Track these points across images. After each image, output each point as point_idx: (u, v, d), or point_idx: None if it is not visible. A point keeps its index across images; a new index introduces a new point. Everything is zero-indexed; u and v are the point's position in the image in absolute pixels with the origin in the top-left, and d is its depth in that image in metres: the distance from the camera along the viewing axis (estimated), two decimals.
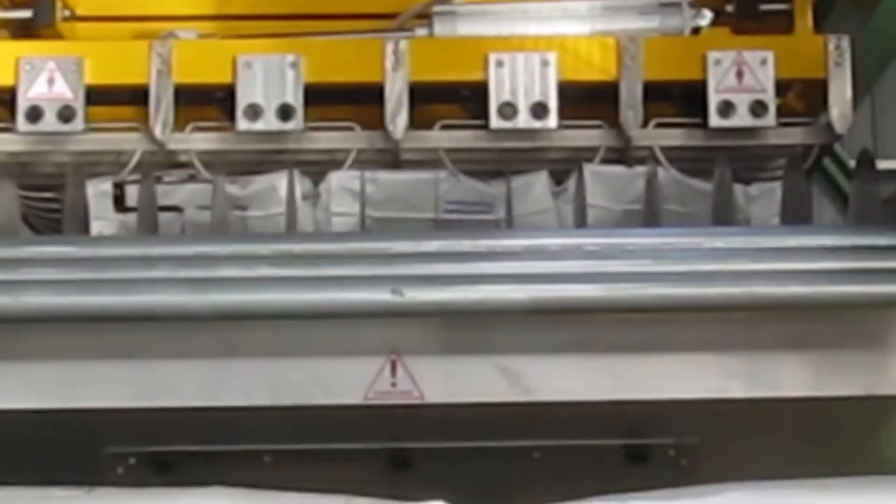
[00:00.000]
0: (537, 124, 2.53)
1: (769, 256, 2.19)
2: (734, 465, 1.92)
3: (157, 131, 2.46)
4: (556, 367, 2.15)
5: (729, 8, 2.77)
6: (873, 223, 2.40)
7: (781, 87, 2.59)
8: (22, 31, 2.67)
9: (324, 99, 2.49)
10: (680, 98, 2.65)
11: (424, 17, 2.57)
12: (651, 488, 1.72)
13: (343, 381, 2.15)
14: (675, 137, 2.57)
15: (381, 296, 2.02)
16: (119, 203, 2.63)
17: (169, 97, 2.40)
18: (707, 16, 2.64)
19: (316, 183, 2.52)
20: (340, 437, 2.23)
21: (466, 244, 2.20)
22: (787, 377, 2.17)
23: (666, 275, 2.12)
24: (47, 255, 2.16)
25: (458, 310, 2.11)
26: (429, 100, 2.51)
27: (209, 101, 2.51)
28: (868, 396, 2.20)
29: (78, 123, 2.41)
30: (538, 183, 2.59)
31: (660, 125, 2.59)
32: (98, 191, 2.58)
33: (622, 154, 2.56)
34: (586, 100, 2.63)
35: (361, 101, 2.50)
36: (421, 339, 2.19)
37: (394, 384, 2.14)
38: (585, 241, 2.28)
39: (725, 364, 2.16)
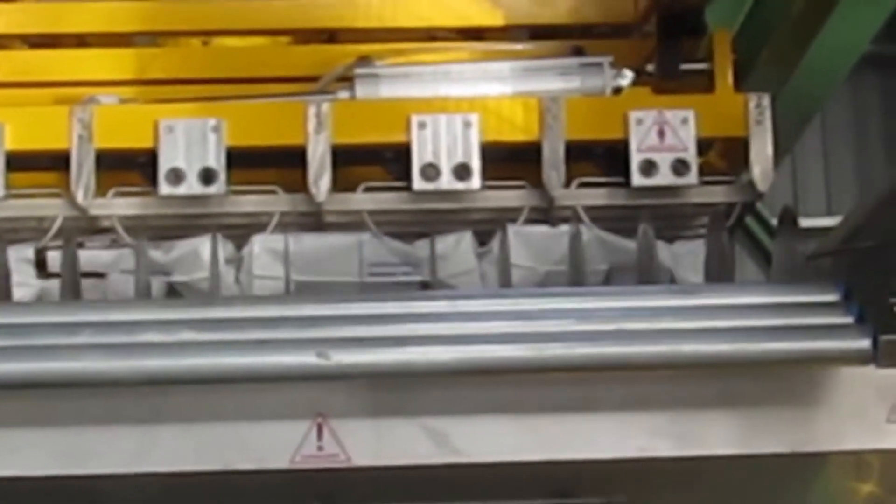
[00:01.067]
0: (460, 185, 2.55)
1: (693, 315, 2.21)
2: None
3: (79, 197, 2.49)
4: (484, 428, 2.14)
5: (649, 68, 2.84)
6: (796, 280, 2.47)
7: (703, 146, 2.64)
8: None
9: (246, 162, 2.53)
10: (602, 157, 2.69)
11: (347, 79, 2.62)
12: None
13: (270, 444, 2.15)
14: (598, 197, 2.60)
15: (306, 359, 2.01)
16: (41, 269, 2.61)
17: (90, 162, 2.42)
18: (628, 76, 2.69)
19: (239, 247, 2.54)
20: (269, 499, 2.28)
21: (391, 306, 2.21)
22: (713, 435, 2.18)
23: (591, 334, 2.12)
24: None
25: (384, 372, 2.10)
26: (352, 162, 2.54)
27: (131, 166, 2.53)
28: (794, 453, 2.22)
29: None
30: (462, 244, 2.61)
31: (583, 185, 2.63)
32: (19, 257, 2.58)
33: (546, 214, 2.59)
34: (509, 160, 2.66)
35: (284, 163, 2.53)
36: (347, 401, 2.17)
37: (320, 448, 2.11)
38: (510, 301, 2.31)
39: (652, 422, 2.17)
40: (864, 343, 2.08)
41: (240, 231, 2.56)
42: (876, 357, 2.07)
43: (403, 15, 2.96)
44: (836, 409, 2.26)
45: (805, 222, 3.05)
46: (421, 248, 2.61)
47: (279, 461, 2.15)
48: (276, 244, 2.56)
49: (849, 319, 2.17)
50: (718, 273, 2.55)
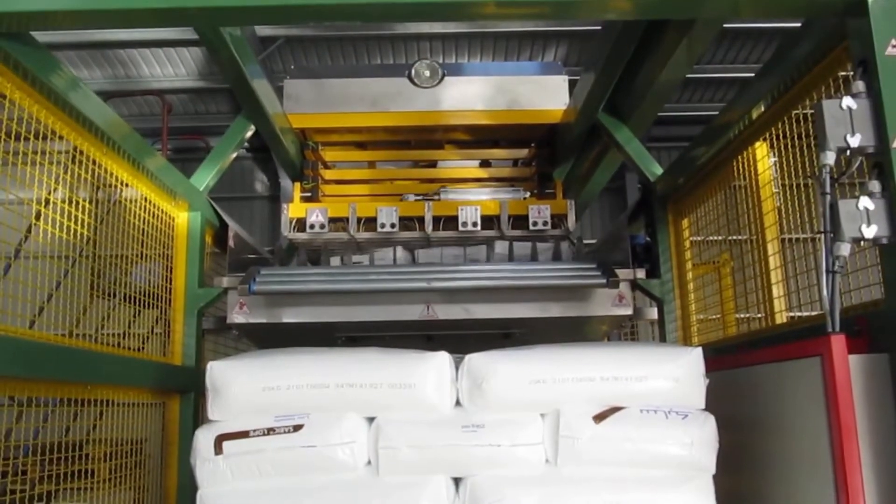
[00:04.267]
0: (474, 229, 6.13)
1: (545, 269, 4.93)
2: None
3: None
4: (481, 307, 4.87)
5: (534, 189, 6.30)
6: (582, 261, 5.19)
7: (552, 217, 5.88)
8: None
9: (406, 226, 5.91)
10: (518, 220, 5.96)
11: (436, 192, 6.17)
12: None
13: (412, 312, 4.80)
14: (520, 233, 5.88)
15: (422, 284, 4.98)
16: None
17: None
18: (527, 193, 6.22)
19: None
20: (410, 334, 5.08)
21: (451, 267, 5.22)
22: (551, 310, 4.96)
23: (514, 276, 5.24)
24: None
25: (449, 288, 4.85)
26: (437, 223, 5.88)
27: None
28: (580, 316, 4.87)
29: None
30: (480, 250, 6.11)
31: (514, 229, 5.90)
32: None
33: (502, 237, 5.98)
34: (487, 221, 6.01)
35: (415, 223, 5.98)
36: (436, 297, 4.87)
37: (429, 312, 5.07)
38: (488, 267, 5.40)
39: (536, 305, 5.22)
40: (603, 280, 4.41)
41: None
42: (607, 284, 4.39)
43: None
44: (594, 301, 4.66)
45: (586, 242, 6.22)
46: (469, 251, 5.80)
47: (413, 317, 4.64)
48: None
49: (599, 273, 4.54)
50: (554, 257, 5.82)
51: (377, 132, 6.39)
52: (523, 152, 6.59)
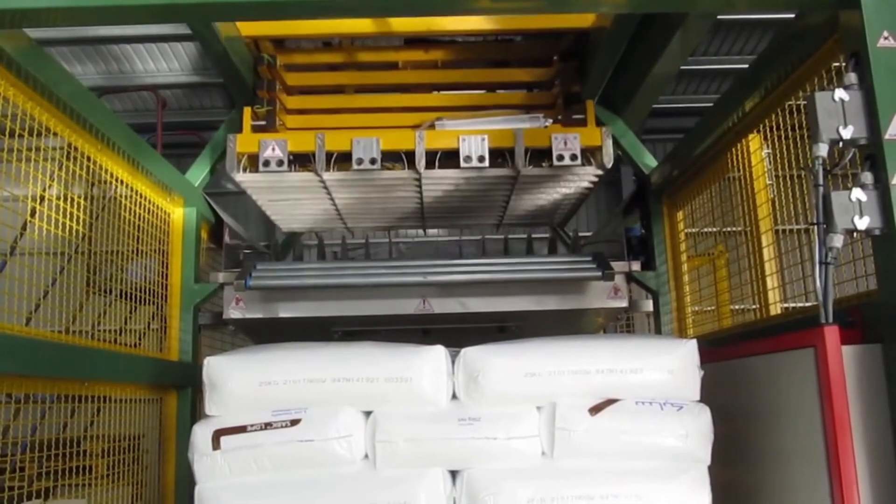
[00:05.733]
0: (480, 165, 4.63)
1: (542, 263, 4.67)
2: None
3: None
4: (476, 300, 4.83)
5: (557, 116, 4.89)
6: (578, 253, 5.28)
7: (582, 150, 4.62)
8: None
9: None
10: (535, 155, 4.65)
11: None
12: None
13: (407, 305, 4.74)
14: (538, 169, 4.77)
15: (419, 278, 4.62)
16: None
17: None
18: (549, 121, 4.80)
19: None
20: (406, 328, 4.87)
21: (447, 261, 4.91)
22: (547, 303, 4.73)
23: (509, 269, 4.94)
24: None
25: (445, 283, 4.60)
26: (431, 158, 5.18)
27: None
28: (576, 308, 4.70)
29: None
30: (478, 247, 5.98)
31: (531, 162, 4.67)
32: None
33: (514, 181, 4.93)
34: (499, 156, 4.69)
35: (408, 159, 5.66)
36: (432, 291, 4.67)
37: (424, 306, 4.76)
38: (483, 262, 5.18)
39: (530, 298, 4.80)
40: (598, 273, 4.38)
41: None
42: (602, 277, 4.37)
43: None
44: (590, 294, 4.63)
45: (581, 235, 5.98)
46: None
47: (410, 311, 4.61)
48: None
49: (594, 266, 4.49)
50: (550, 250, 5.84)
51: (352, 50, 5.10)
52: (546, 71, 5.17)
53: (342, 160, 4.70)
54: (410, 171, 4.73)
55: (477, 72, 5.25)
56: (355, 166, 4.59)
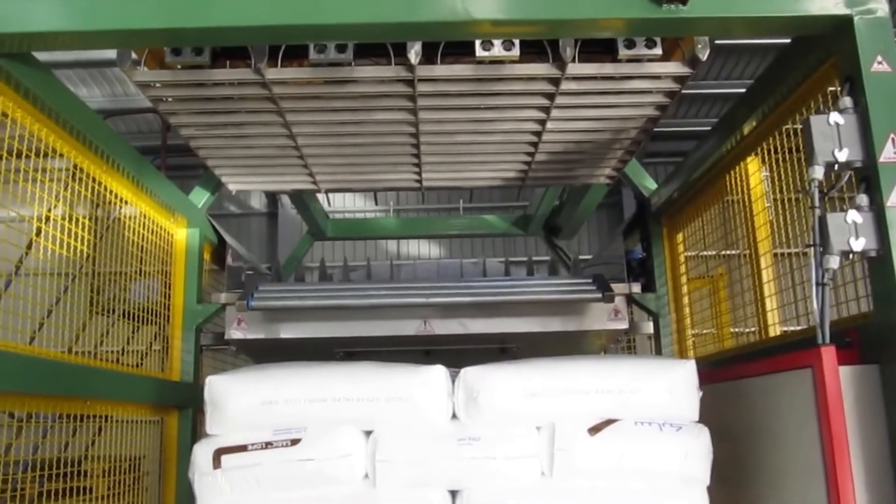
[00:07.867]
0: (507, 53, 3.25)
1: (544, 283, 4.65)
2: None
3: None
4: (476, 322, 4.76)
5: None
6: (578, 276, 5.01)
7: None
8: None
9: None
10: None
11: None
12: None
13: (408, 327, 4.61)
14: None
15: (421, 299, 4.63)
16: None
17: None
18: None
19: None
20: (407, 350, 4.73)
21: (450, 284, 5.01)
22: (550, 324, 4.78)
23: (511, 290, 4.81)
24: None
25: (446, 304, 4.59)
26: None
27: None
28: (578, 330, 4.65)
29: None
30: (479, 267, 5.89)
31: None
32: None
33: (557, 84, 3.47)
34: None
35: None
36: (434, 312, 4.66)
37: (426, 327, 4.81)
38: (484, 282, 5.14)
39: (534, 320, 4.92)
40: (598, 294, 4.38)
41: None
42: (602, 299, 4.36)
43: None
44: (590, 315, 4.61)
45: (582, 258, 5.87)
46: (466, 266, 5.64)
47: (411, 332, 4.58)
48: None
49: (594, 287, 4.50)
50: (551, 272, 5.82)
51: None
52: None
53: (295, 55, 3.32)
54: (398, 68, 3.34)
55: None
56: (313, 55, 3.23)
